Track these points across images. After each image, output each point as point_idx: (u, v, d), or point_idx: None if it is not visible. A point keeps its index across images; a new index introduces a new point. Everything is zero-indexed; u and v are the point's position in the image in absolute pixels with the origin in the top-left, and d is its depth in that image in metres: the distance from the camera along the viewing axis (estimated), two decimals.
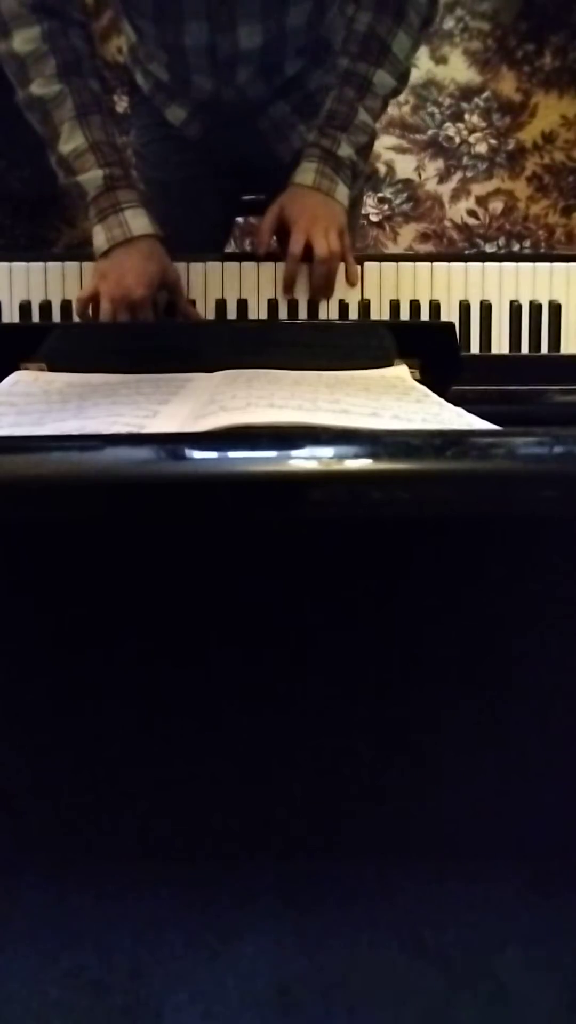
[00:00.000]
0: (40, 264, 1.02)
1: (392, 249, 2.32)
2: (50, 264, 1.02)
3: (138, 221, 0.99)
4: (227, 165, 1.21)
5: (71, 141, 0.99)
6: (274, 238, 1.05)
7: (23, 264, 1.02)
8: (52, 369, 0.74)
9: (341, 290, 1.02)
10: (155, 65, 1.13)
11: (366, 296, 1.02)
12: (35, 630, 0.49)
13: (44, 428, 0.51)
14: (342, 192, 1.04)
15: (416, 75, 2.26)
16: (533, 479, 0.41)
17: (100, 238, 0.99)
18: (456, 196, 2.35)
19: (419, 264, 1.02)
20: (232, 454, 0.41)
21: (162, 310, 1.01)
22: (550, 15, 2.28)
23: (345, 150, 1.04)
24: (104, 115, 1.01)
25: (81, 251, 2.24)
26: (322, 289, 1.01)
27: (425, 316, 0.99)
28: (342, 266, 1.02)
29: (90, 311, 0.99)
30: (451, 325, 0.79)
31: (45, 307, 1.00)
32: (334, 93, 1.05)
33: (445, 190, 2.35)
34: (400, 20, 1.02)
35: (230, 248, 1.54)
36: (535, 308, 0.98)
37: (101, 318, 0.97)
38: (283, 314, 1.01)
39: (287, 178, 1.12)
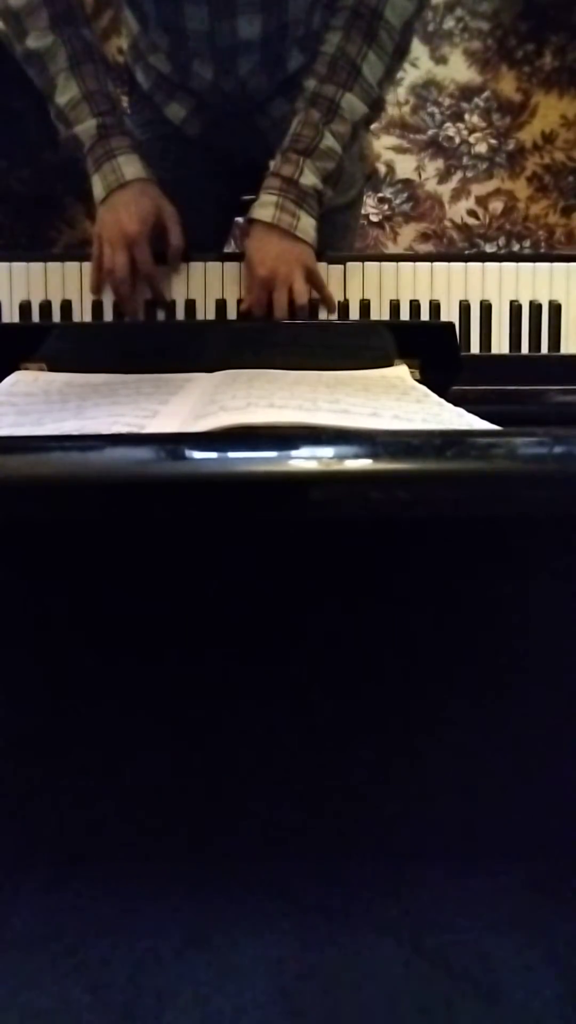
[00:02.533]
0: (40, 264, 1.02)
1: (392, 249, 2.33)
2: (50, 264, 1.02)
3: (130, 166, 1.01)
4: (226, 164, 1.21)
5: (66, 92, 1.01)
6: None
7: (23, 264, 1.02)
8: (52, 369, 0.74)
9: (341, 290, 1.02)
10: (157, 57, 1.13)
11: (366, 296, 1.02)
12: (36, 629, 0.49)
13: (44, 428, 0.51)
14: (306, 224, 0.99)
15: (416, 75, 2.26)
16: (533, 479, 0.41)
17: (98, 187, 1.02)
18: (456, 196, 2.35)
19: (419, 264, 1.02)
20: (232, 454, 0.41)
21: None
22: (550, 15, 2.28)
23: (309, 178, 0.98)
24: (97, 63, 1.02)
25: (81, 251, 2.25)
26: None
27: (425, 316, 0.99)
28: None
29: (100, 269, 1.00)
30: (451, 325, 0.79)
31: (45, 307, 1.00)
32: (299, 116, 1.00)
33: (445, 190, 2.35)
34: (371, 41, 0.98)
35: (230, 248, 1.54)
36: (535, 308, 0.98)
37: (105, 263, 0.99)
38: None
39: None
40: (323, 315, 1.01)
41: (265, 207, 0.99)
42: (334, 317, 1.01)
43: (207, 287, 1.03)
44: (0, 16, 1.03)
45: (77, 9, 1.02)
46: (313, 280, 0.99)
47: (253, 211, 1.00)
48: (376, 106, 1.02)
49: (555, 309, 0.97)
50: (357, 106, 0.99)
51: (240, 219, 1.66)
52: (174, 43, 1.07)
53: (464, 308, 0.98)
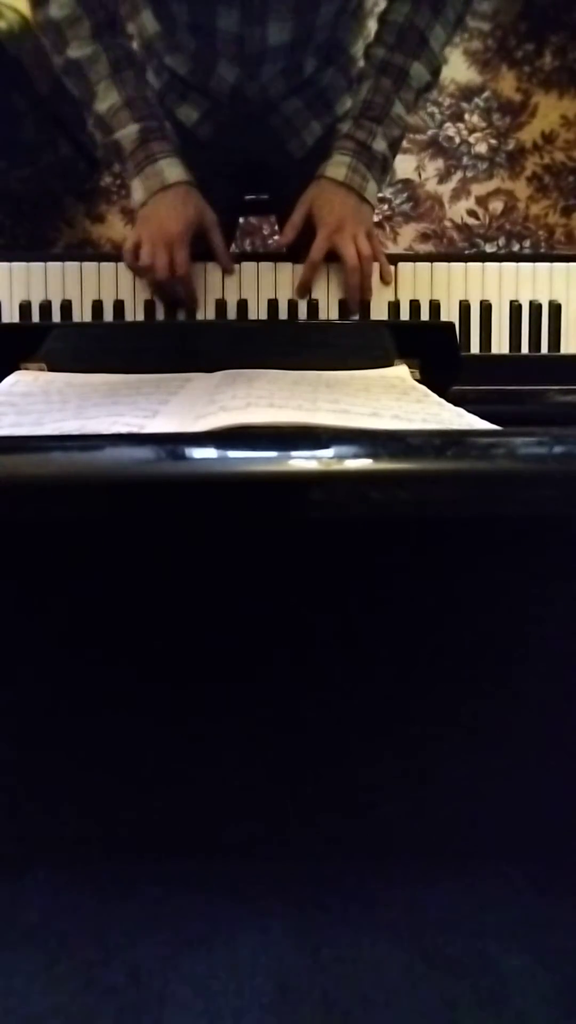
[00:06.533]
0: (40, 264, 1.02)
1: (392, 249, 2.32)
2: (50, 264, 1.02)
3: (172, 170, 1.02)
4: (236, 165, 1.21)
5: (107, 99, 1.02)
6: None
7: (23, 264, 1.02)
8: (52, 369, 0.74)
9: (340, 290, 1.02)
10: (175, 57, 1.13)
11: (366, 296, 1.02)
12: (35, 629, 0.49)
13: (44, 428, 0.51)
14: (372, 190, 1.04)
15: None
16: (533, 479, 0.41)
17: (139, 191, 1.03)
18: (456, 196, 2.35)
19: (419, 264, 1.02)
20: (232, 454, 0.41)
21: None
22: (550, 15, 2.28)
23: (379, 144, 1.03)
24: (137, 71, 1.03)
25: (81, 251, 2.24)
26: (358, 296, 1.01)
27: (425, 316, 0.99)
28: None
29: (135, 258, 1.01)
30: (451, 325, 0.79)
31: (45, 307, 1.00)
32: (370, 83, 1.03)
33: (445, 190, 2.35)
34: (438, 14, 1.02)
35: (232, 248, 1.54)
36: (535, 308, 0.98)
37: (142, 260, 0.99)
38: (283, 314, 1.01)
39: (296, 176, 1.12)
40: (336, 295, 1.01)
41: (338, 167, 1.02)
42: (389, 297, 1.02)
43: (207, 287, 1.03)
44: (39, 27, 1.03)
45: (117, 18, 1.03)
46: (372, 242, 1.01)
47: (325, 169, 1.03)
48: (437, 74, 1.06)
49: (555, 309, 0.97)
50: (423, 74, 1.04)
51: (240, 219, 1.66)
52: (201, 45, 1.07)
53: (464, 308, 0.98)
